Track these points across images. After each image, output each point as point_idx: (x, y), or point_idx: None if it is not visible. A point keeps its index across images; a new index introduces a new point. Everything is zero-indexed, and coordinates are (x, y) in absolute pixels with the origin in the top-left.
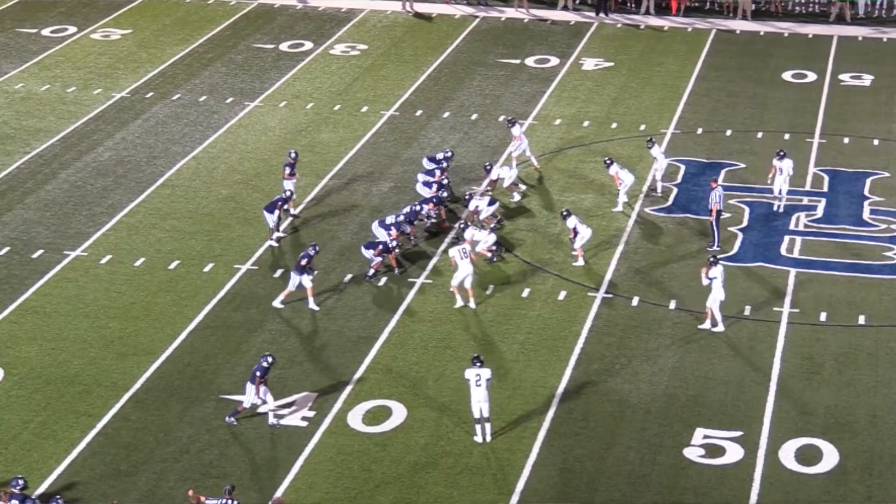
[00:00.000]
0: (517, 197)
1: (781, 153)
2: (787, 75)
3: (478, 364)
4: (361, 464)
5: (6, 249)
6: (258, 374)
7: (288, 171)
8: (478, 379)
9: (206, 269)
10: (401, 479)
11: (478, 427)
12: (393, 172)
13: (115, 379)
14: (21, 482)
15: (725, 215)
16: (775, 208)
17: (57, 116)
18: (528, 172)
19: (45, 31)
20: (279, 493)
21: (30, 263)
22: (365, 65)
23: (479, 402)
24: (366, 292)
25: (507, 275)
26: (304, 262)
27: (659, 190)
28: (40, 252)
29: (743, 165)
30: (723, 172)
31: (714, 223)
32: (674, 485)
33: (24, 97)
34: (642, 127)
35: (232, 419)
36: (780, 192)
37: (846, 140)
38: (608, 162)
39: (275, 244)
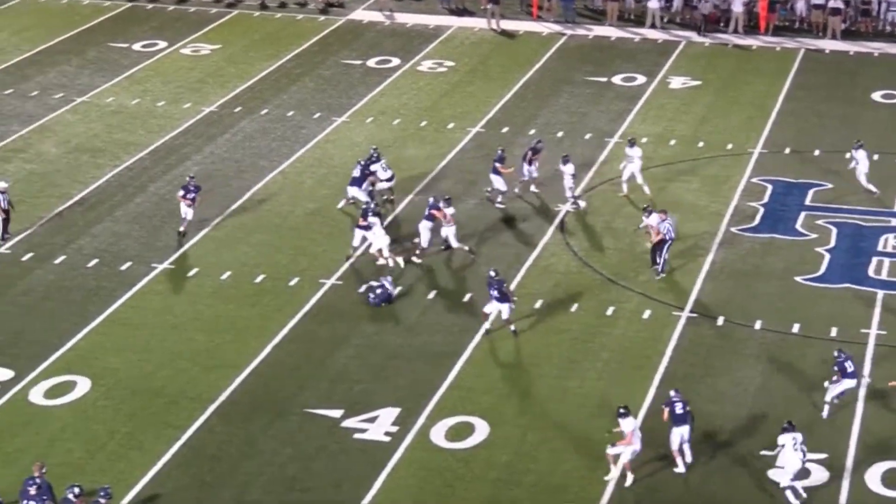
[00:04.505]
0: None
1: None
2: (876, 95)
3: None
4: (444, 480)
5: (95, 261)
6: None
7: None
8: (794, 442)
9: (292, 283)
10: (483, 496)
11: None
12: (478, 189)
13: (201, 391)
14: (108, 492)
15: (813, 235)
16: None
17: (147, 130)
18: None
19: (136, 46)
20: None
21: (118, 276)
22: (452, 81)
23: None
24: (450, 308)
25: (591, 292)
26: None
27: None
28: (129, 264)
29: (830, 186)
30: (810, 192)
31: (657, 250)
32: None
33: (114, 111)
34: (729, 146)
35: None
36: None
37: None
38: (648, 210)
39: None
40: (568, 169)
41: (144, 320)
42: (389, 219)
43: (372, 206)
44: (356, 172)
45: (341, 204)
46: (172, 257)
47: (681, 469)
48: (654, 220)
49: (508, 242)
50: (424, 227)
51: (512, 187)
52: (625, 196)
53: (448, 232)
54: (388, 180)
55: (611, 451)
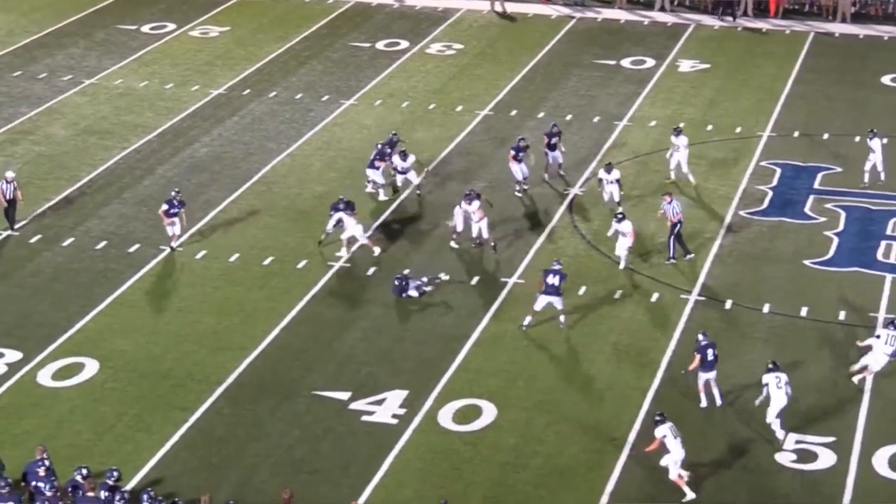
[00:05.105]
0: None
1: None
2: (886, 79)
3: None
4: (451, 462)
5: (103, 243)
6: None
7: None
8: (778, 381)
9: (300, 265)
10: (490, 478)
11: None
12: (487, 172)
13: (209, 373)
14: (115, 474)
15: (821, 219)
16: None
17: (155, 112)
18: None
19: (145, 28)
20: (368, 490)
21: (126, 258)
22: (460, 64)
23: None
24: (458, 291)
25: (599, 275)
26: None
27: (673, 177)
28: (136, 246)
29: (839, 169)
30: (819, 176)
31: (675, 236)
32: (765, 490)
33: (122, 93)
34: (738, 129)
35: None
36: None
37: None
38: (620, 217)
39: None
40: (613, 175)
41: (152, 302)
42: (397, 203)
43: (342, 196)
44: (374, 154)
45: (369, 188)
46: (181, 240)
47: (703, 404)
48: (625, 226)
49: (517, 225)
50: (458, 212)
51: (539, 174)
52: (672, 182)
53: (481, 225)
54: (405, 171)
55: (663, 462)
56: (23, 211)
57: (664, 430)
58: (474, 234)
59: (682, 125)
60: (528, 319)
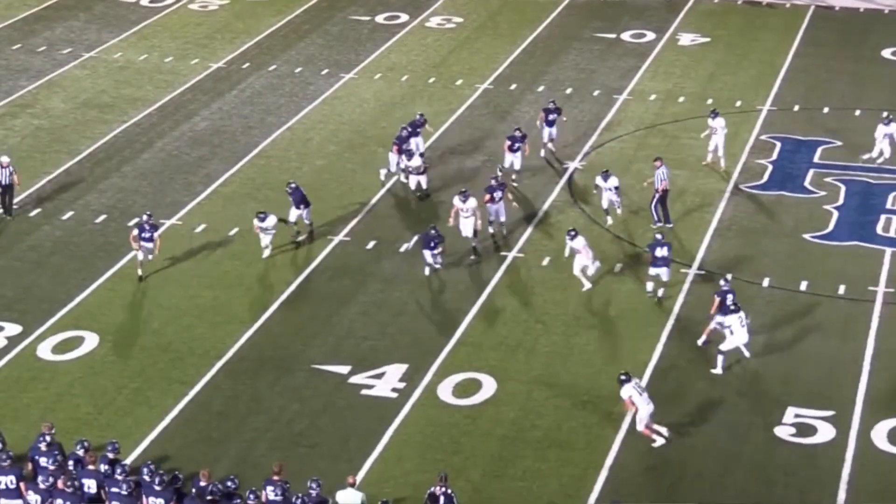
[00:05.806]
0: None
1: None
2: (886, 53)
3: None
4: (451, 436)
5: (103, 217)
6: None
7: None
8: (741, 321)
9: (300, 239)
10: (489, 452)
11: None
12: (486, 146)
13: (208, 347)
14: (116, 447)
15: (821, 193)
16: None
17: (154, 86)
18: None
19: (144, 1)
20: (368, 464)
21: (126, 231)
22: (460, 38)
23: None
24: (457, 266)
25: (600, 250)
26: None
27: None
28: (136, 220)
29: (839, 143)
30: (819, 150)
31: (659, 203)
32: (764, 463)
33: (122, 66)
34: (738, 103)
35: None
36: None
37: None
38: (573, 234)
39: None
40: (611, 182)
41: (152, 276)
42: (395, 179)
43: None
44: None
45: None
46: (180, 213)
47: (701, 341)
48: (579, 243)
49: (517, 199)
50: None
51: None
52: (707, 165)
53: (468, 224)
54: (417, 171)
55: (639, 427)
56: (21, 186)
57: (629, 390)
58: (468, 232)
59: (717, 109)
60: (649, 285)
